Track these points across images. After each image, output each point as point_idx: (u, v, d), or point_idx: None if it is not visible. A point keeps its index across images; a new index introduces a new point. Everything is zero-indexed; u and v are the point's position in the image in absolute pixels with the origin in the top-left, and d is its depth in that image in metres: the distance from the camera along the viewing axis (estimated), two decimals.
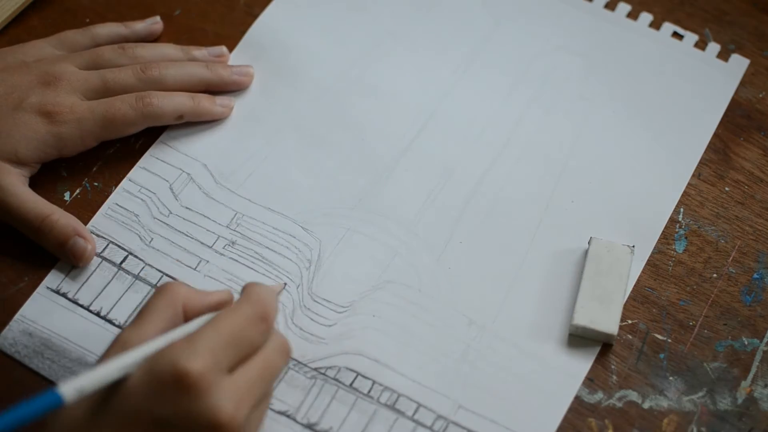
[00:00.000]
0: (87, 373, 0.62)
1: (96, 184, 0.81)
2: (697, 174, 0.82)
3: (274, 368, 0.66)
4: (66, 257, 0.77)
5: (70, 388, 0.61)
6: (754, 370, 0.74)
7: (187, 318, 0.67)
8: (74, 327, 0.75)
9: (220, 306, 0.68)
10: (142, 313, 0.66)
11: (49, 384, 0.73)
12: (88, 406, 0.63)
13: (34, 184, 0.79)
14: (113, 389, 0.63)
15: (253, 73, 0.85)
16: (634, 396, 0.74)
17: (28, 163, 0.78)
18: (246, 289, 0.67)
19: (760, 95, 0.85)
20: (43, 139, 0.78)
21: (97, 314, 0.76)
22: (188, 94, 0.82)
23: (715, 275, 0.78)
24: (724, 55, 0.86)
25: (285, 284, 0.76)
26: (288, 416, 0.72)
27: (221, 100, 0.83)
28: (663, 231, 0.79)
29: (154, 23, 0.86)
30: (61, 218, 0.77)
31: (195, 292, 0.68)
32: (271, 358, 0.66)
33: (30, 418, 0.60)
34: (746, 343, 0.75)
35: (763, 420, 0.73)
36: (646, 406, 0.73)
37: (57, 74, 0.79)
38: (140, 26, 0.85)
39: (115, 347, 0.64)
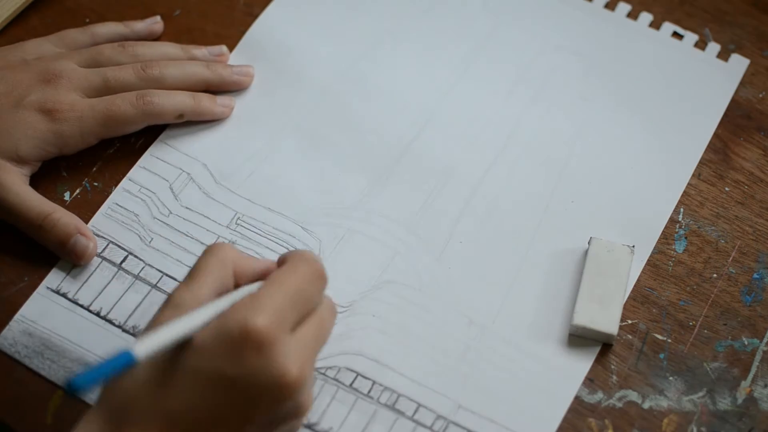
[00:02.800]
0: (157, 333, 0.62)
1: (96, 183, 0.81)
2: (697, 174, 0.82)
3: (328, 327, 0.67)
4: (67, 256, 0.77)
5: (142, 348, 0.61)
6: (754, 370, 0.74)
7: (237, 280, 0.67)
8: (74, 327, 0.75)
9: (267, 273, 0.68)
10: (195, 273, 0.66)
11: (49, 384, 0.73)
12: (154, 366, 0.63)
13: (34, 184, 0.79)
14: (180, 349, 0.63)
15: (253, 73, 0.85)
16: (634, 396, 0.74)
17: (29, 162, 0.78)
18: (294, 253, 0.67)
19: (760, 95, 0.85)
20: (43, 137, 0.78)
21: (97, 314, 0.76)
22: (189, 93, 0.82)
23: (715, 275, 0.78)
24: (724, 55, 0.86)
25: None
26: None
27: (222, 100, 0.83)
28: (663, 231, 0.79)
29: (155, 23, 0.86)
30: (63, 217, 0.77)
31: (244, 256, 0.68)
32: (326, 318, 0.67)
33: (105, 377, 0.60)
34: (746, 343, 0.75)
35: (763, 420, 0.73)
36: (646, 406, 0.73)
37: (57, 72, 0.79)
38: (140, 26, 0.86)
39: (169, 307, 0.64)
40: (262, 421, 0.63)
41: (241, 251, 0.69)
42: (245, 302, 0.63)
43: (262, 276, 0.68)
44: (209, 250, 0.67)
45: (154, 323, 0.64)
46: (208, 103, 0.82)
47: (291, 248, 0.78)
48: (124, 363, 0.61)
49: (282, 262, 0.67)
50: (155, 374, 0.63)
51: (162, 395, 0.62)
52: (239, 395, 0.62)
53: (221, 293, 0.66)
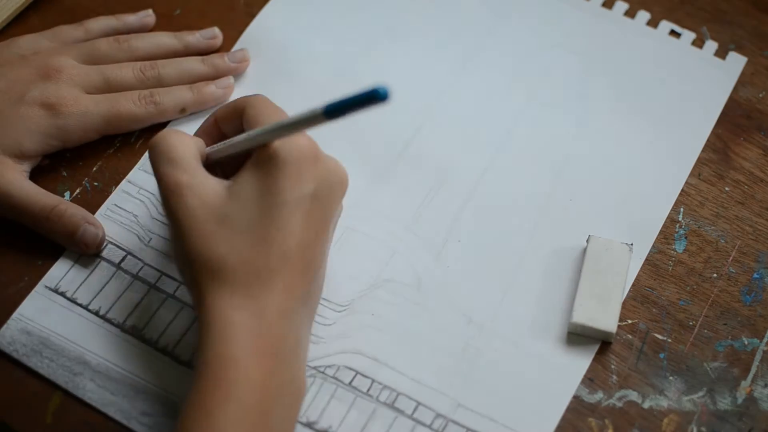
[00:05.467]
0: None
1: (96, 183, 0.81)
2: (697, 174, 0.82)
3: None
4: (76, 246, 0.77)
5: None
6: (754, 369, 0.74)
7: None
8: (73, 326, 0.75)
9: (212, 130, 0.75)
10: (171, 155, 0.70)
11: (48, 384, 0.73)
12: (247, 226, 0.68)
13: (34, 183, 0.79)
14: (262, 178, 0.68)
15: (249, 57, 0.85)
16: (634, 396, 0.73)
17: (31, 157, 0.79)
18: (242, 101, 0.74)
19: (760, 95, 0.85)
20: (47, 132, 0.79)
21: (96, 313, 0.76)
22: (188, 86, 0.83)
23: (715, 275, 0.78)
24: (721, 53, 0.86)
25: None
26: None
27: (220, 83, 0.83)
28: (663, 231, 0.79)
29: (147, 16, 0.87)
30: (69, 208, 0.77)
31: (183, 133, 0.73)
32: None
33: (355, 108, 0.65)
34: (746, 342, 0.75)
35: (763, 420, 0.73)
36: (646, 405, 0.73)
37: (57, 67, 0.80)
38: (133, 19, 0.86)
39: (176, 191, 0.70)
40: (335, 216, 0.72)
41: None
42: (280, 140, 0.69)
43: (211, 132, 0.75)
44: (162, 138, 0.71)
45: (168, 214, 0.70)
46: (207, 90, 0.83)
47: None
48: (377, 97, 0.63)
49: (232, 112, 0.74)
50: (261, 232, 0.68)
51: (273, 243, 0.68)
52: (322, 203, 0.69)
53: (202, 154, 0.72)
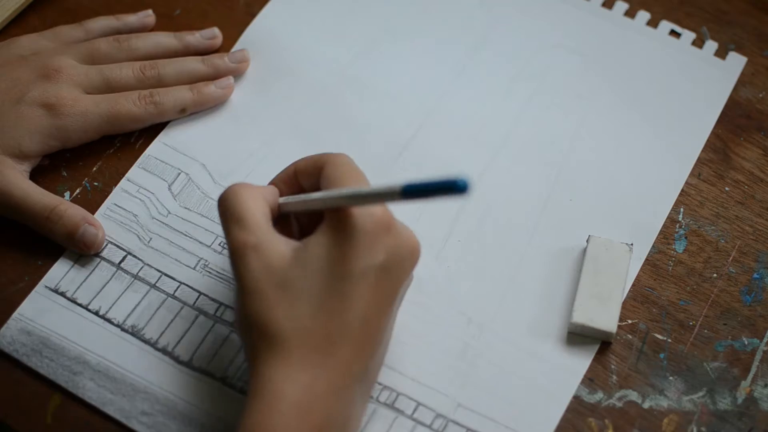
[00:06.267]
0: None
1: (96, 183, 0.81)
2: (697, 174, 0.81)
3: None
4: (76, 246, 0.77)
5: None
6: (754, 370, 0.74)
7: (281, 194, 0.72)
8: (73, 326, 0.75)
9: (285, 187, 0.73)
10: (240, 215, 0.69)
11: (48, 384, 0.73)
12: (316, 295, 0.66)
13: (34, 183, 0.79)
14: (328, 272, 0.66)
15: (249, 58, 0.85)
16: (634, 396, 0.73)
17: (31, 157, 0.79)
18: (322, 158, 0.71)
19: (760, 95, 0.85)
20: (47, 132, 0.79)
21: (96, 313, 0.76)
22: (188, 86, 0.83)
23: (715, 275, 0.78)
24: (721, 53, 0.86)
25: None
26: None
27: (220, 83, 0.83)
28: (663, 231, 0.79)
29: (147, 16, 0.87)
30: (69, 208, 0.77)
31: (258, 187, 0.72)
32: None
33: (433, 194, 0.62)
34: (746, 343, 0.75)
35: (763, 420, 0.73)
36: (646, 406, 0.73)
37: (57, 67, 0.80)
38: (133, 19, 0.86)
39: (244, 253, 0.67)
40: (402, 289, 0.69)
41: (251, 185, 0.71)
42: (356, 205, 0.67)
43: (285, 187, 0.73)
44: (233, 192, 0.69)
45: (237, 278, 0.68)
46: (207, 90, 0.83)
47: None
48: (457, 188, 0.61)
49: (310, 168, 0.72)
50: (323, 301, 0.66)
51: (335, 314, 0.66)
52: (390, 276, 0.67)
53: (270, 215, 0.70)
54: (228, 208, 0.69)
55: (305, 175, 0.72)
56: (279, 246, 0.67)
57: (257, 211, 0.69)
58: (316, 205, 0.69)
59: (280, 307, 0.66)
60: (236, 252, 0.67)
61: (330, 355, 0.65)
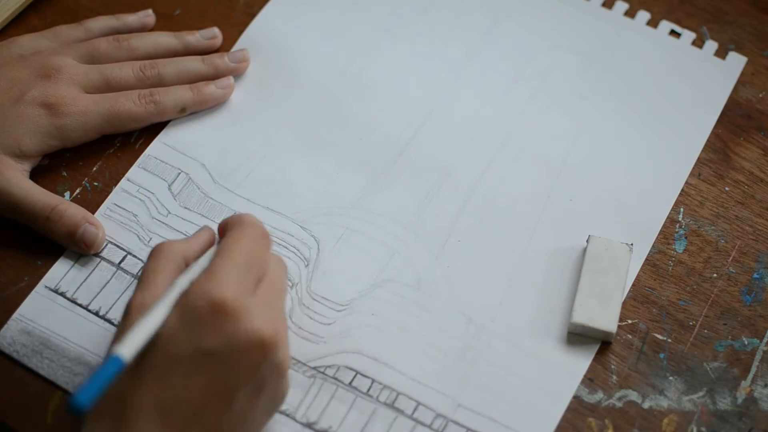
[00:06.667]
0: (133, 331, 0.63)
1: (96, 183, 0.81)
2: (697, 174, 0.82)
3: (284, 281, 0.69)
4: (76, 246, 0.77)
5: (125, 350, 0.62)
6: (754, 370, 0.74)
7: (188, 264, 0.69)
8: (73, 326, 0.75)
9: (210, 244, 0.71)
10: (144, 278, 0.67)
11: (48, 384, 0.73)
12: (134, 367, 0.64)
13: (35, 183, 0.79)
14: (152, 344, 0.64)
15: (249, 57, 0.85)
16: (634, 396, 0.73)
17: (30, 156, 0.79)
18: (234, 218, 0.69)
19: (760, 95, 0.85)
20: (46, 131, 0.79)
21: (96, 313, 0.76)
22: (188, 86, 0.83)
23: (715, 275, 0.78)
24: (721, 53, 0.86)
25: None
26: (287, 415, 0.72)
27: (220, 82, 0.83)
28: (663, 231, 0.79)
29: (146, 16, 0.87)
30: (70, 208, 0.77)
31: (185, 242, 0.70)
32: (279, 273, 0.69)
33: (101, 387, 0.61)
34: (746, 343, 0.75)
35: (763, 420, 0.73)
36: (646, 406, 0.73)
37: (56, 67, 0.80)
38: (132, 18, 0.86)
39: (131, 313, 0.65)
40: (248, 387, 0.64)
41: (180, 240, 0.70)
42: (203, 278, 0.65)
43: (208, 247, 0.70)
44: (153, 252, 0.68)
45: (120, 333, 0.65)
46: (207, 90, 0.83)
47: (291, 247, 0.78)
48: (115, 368, 0.61)
49: (224, 228, 0.69)
50: (138, 374, 0.63)
51: (149, 391, 0.63)
52: (222, 366, 0.63)
53: None
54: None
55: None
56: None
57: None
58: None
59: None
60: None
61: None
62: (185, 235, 0.78)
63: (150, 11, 0.87)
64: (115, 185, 0.81)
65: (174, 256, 0.68)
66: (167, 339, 0.64)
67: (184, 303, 0.64)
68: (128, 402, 0.63)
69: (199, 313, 0.63)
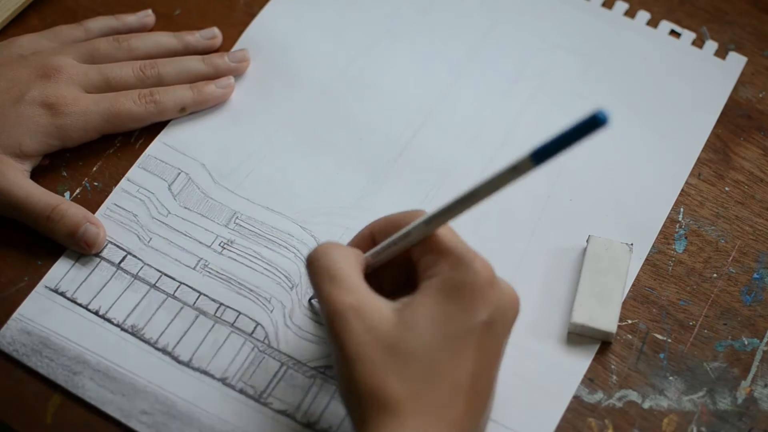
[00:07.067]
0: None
1: (96, 183, 0.81)
2: (697, 174, 0.81)
3: None
4: (77, 245, 0.77)
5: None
6: (754, 370, 0.74)
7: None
8: (73, 326, 0.75)
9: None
10: (334, 273, 0.67)
11: (48, 384, 0.73)
12: (427, 355, 0.64)
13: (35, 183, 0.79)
14: (436, 305, 0.65)
15: (249, 57, 0.85)
16: (634, 396, 0.73)
17: (31, 156, 0.79)
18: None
19: (760, 95, 0.85)
20: (46, 131, 0.79)
21: (96, 313, 0.76)
22: (188, 85, 0.83)
23: (715, 275, 0.78)
24: (721, 53, 0.86)
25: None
26: (287, 415, 0.72)
27: (220, 82, 0.83)
28: (663, 231, 0.79)
29: (146, 16, 0.87)
30: (70, 207, 0.77)
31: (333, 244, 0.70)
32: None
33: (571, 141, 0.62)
34: (746, 343, 0.75)
35: (763, 420, 0.73)
36: (646, 406, 0.73)
37: (56, 66, 0.80)
38: (132, 19, 0.86)
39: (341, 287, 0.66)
40: (507, 338, 0.68)
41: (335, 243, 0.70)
42: (453, 263, 0.66)
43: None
44: (316, 255, 0.68)
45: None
46: (208, 89, 0.83)
47: (290, 248, 0.78)
48: (598, 124, 0.61)
49: (399, 221, 0.70)
50: (434, 363, 0.64)
51: (446, 376, 0.64)
52: (496, 330, 0.66)
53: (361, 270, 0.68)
54: (321, 267, 0.67)
55: (383, 235, 0.70)
56: (380, 306, 0.65)
57: (352, 271, 0.67)
58: (403, 244, 0.67)
59: (389, 371, 0.63)
60: (336, 313, 0.65)
61: (442, 417, 0.64)
62: (185, 234, 0.78)
63: (150, 11, 0.87)
64: (115, 185, 0.81)
65: (339, 246, 0.69)
66: (443, 318, 0.65)
67: (455, 283, 0.65)
68: (435, 385, 0.64)
69: (472, 289, 0.65)
